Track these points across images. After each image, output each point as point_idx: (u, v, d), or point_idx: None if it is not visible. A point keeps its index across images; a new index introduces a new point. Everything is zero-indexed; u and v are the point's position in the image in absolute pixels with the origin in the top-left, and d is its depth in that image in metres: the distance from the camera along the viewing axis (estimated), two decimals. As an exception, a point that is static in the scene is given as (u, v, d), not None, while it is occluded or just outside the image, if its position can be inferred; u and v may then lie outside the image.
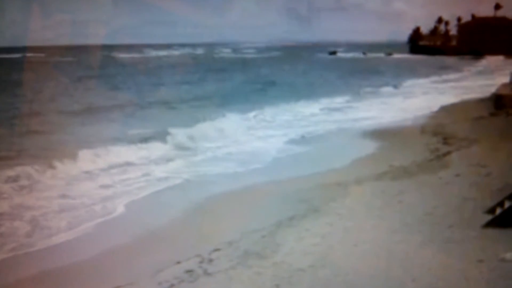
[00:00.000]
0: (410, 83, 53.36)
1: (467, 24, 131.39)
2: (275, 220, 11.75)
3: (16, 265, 10.80)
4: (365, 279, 8.29)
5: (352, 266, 8.74)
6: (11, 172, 16.55)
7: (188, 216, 13.31)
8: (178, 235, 12.09)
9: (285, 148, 22.30)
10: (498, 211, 10.29)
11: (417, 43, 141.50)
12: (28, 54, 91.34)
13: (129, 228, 12.72)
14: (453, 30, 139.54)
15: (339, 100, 38.79)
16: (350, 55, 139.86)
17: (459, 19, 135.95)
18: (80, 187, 16.21)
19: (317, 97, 39.44)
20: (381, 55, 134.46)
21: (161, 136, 22.52)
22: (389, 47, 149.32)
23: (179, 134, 22.83)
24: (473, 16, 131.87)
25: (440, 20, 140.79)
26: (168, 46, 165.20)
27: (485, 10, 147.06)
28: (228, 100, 37.19)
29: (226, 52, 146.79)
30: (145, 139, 22.20)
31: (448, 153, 17.85)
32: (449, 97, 39.48)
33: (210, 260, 9.80)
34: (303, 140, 24.14)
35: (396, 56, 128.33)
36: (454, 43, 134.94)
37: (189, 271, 9.37)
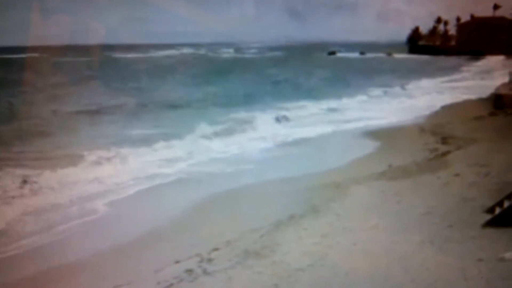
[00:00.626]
0: (412, 84, 53.23)
1: (466, 24, 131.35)
2: (274, 220, 11.75)
3: (16, 264, 10.82)
4: (364, 278, 8.29)
5: (351, 265, 8.74)
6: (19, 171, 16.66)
7: (188, 215, 13.30)
8: (177, 234, 12.09)
9: (285, 148, 22.33)
10: (497, 210, 10.31)
11: (416, 43, 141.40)
12: (27, 55, 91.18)
13: (128, 227, 12.73)
14: (452, 30, 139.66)
15: (345, 101, 38.70)
16: (349, 55, 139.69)
17: (458, 19, 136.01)
18: (80, 185, 16.26)
19: (326, 97, 39.54)
20: (381, 55, 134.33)
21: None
22: (388, 47, 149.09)
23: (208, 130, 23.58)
24: (472, 16, 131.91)
25: (439, 20, 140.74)
26: (170, 46, 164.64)
27: (484, 10, 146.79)
28: (248, 100, 37.59)
29: (229, 52, 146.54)
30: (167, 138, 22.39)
31: (447, 152, 17.86)
32: (449, 97, 39.55)
33: (210, 260, 9.80)
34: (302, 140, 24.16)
35: (396, 56, 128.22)
36: (453, 43, 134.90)
37: (188, 271, 9.37)
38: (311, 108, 34.76)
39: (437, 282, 7.96)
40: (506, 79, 40.04)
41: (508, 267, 8.11)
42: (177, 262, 9.93)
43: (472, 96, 38.20)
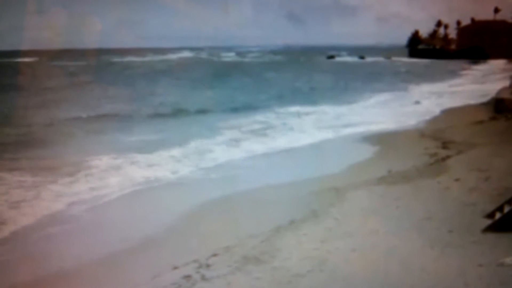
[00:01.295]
0: (412, 88, 53.19)
1: (467, 27, 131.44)
2: (273, 225, 11.72)
3: (13, 268, 10.79)
4: (363, 284, 8.26)
5: (350, 271, 8.71)
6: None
7: (187, 221, 13.25)
8: (176, 240, 12.04)
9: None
10: (498, 215, 10.27)
11: (417, 46, 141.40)
12: (22, 59, 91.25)
13: (125, 232, 12.70)
14: (452, 34, 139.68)
15: (344, 106, 38.71)
16: (348, 59, 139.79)
17: (458, 23, 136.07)
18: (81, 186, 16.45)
19: (324, 102, 39.69)
20: (380, 59, 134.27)
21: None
22: (388, 51, 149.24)
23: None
24: (472, 20, 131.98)
25: (439, 24, 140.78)
26: (169, 50, 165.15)
27: (485, 13, 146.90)
28: (248, 105, 37.64)
29: (231, 56, 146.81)
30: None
31: (448, 157, 17.82)
32: (449, 101, 39.57)
33: (208, 266, 9.76)
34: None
35: (396, 59, 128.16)
36: (453, 46, 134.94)
37: (186, 277, 9.33)
38: (310, 112, 34.72)
39: (437, 287, 7.92)
40: (506, 83, 40.07)
41: (508, 272, 8.08)
42: (175, 268, 9.89)
43: (473, 101, 38.26)
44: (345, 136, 25.76)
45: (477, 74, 75.07)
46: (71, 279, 10.26)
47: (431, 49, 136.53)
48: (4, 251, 11.64)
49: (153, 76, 68.55)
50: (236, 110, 35.11)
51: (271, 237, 10.93)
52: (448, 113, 32.54)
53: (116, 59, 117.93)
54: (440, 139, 21.65)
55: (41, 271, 10.56)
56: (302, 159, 20.86)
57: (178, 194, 15.94)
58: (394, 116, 32.49)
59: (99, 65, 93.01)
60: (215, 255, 10.27)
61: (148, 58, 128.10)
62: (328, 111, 35.70)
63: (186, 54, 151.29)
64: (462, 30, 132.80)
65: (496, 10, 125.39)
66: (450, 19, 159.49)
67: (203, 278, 9.20)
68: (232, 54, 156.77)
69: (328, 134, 26.48)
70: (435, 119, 29.99)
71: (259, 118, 31.70)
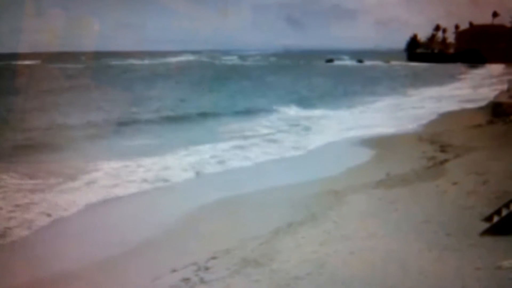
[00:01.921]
0: (409, 92, 53.28)
1: (465, 31, 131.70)
2: (272, 228, 11.75)
3: (13, 271, 10.80)
4: (362, 286, 8.27)
5: (349, 274, 8.72)
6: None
7: (186, 224, 13.27)
8: (175, 243, 12.06)
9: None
10: (496, 219, 10.30)
11: (415, 50, 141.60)
12: (24, 62, 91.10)
13: (124, 235, 12.71)
14: (450, 38, 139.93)
15: (343, 109, 39.00)
16: (347, 63, 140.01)
17: (456, 27, 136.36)
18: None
19: (323, 106, 40.01)
20: (379, 62, 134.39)
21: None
22: (386, 55, 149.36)
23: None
24: (470, 24, 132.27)
25: (437, 28, 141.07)
26: (169, 53, 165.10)
27: (483, 18, 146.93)
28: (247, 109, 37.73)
29: (232, 60, 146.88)
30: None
31: (446, 161, 17.85)
32: (447, 105, 39.67)
33: (207, 268, 9.78)
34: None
35: (394, 63, 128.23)
36: (451, 50, 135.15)
37: (185, 279, 9.35)
38: (310, 117, 34.80)
39: (435, 291, 7.96)
40: (504, 87, 40.15)
41: (506, 275, 8.10)
42: (174, 270, 9.90)
43: (471, 104, 38.32)
44: (343, 140, 25.77)
45: (475, 78, 75.21)
46: (70, 281, 10.27)
47: (429, 53, 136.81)
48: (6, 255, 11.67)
49: (154, 79, 68.42)
50: (237, 114, 35.16)
51: (270, 239, 10.96)
52: (446, 116, 32.60)
53: (116, 62, 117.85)
54: (438, 143, 21.68)
55: (40, 273, 10.57)
56: (301, 162, 20.85)
57: (177, 198, 15.96)
58: (392, 120, 32.55)
59: (99, 68, 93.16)
60: (214, 257, 10.29)
61: (149, 61, 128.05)
62: (327, 115, 35.82)
63: (187, 57, 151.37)
64: (460, 34, 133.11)
65: (495, 15, 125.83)
66: (448, 23, 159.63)
67: (202, 281, 9.22)
68: (232, 57, 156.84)
69: (327, 138, 26.51)
70: (433, 123, 30.04)
71: (260, 121, 31.81)
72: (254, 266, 9.52)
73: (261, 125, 30.65)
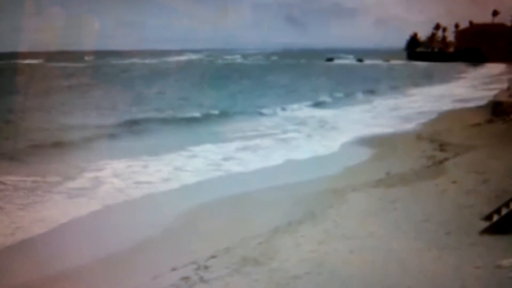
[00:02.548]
0: (409, 91, 53.32)
1: (465, 30, 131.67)
2: (272, 227, 11.74)
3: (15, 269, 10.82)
4: (361, 285, 8.29)
5: (348, 273, 8.73)
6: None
7: (186, 223, 13.27)
8: (175, 241, 12.07)
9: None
10: (495, 218, 10.31)
11: (415, 49, 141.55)
12: (22, 61, 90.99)
13: (124, 234, 12.72)
14: (450, 37, 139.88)
15: (341, 109, 39.07)
16: (347, 62, 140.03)
17: (456, 26, 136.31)
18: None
19: (322, 105, 40.41)
20: (379, 61, 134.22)
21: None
22: (386, 54, 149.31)
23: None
24: (470, 23, 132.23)
25: (437, 27, 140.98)
26: (171, 52, 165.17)
27: (483, 17, 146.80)
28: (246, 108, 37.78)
29: (235, 59, 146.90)
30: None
31: (445, 160, 17.85)
32: (446, 104, 39.73)
33: (206, 267, 9.78)
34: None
35: (394, 62, 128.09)
36: (451, 49, 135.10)
37: (185, 278, 9.35)
38: (312, 116, 34.87)
39: (434, 289, 7.97)
40: (504, 86, 40.22)
41: (505, 274, 8.11)
42: (174, 269, 9.91)
43: (470, 103, 38.35)
44: (344, 139, 25.75)
45: (475, 77, 75.33)
46: (70, 280, 10.28)
47: (429, 52, 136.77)
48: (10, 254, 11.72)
49: (155, 78, 68.11)
50: (238, 113, 35.06)
51: (269, 238, 10.95)
52: (445, 115, 32.62)
53: (118, 61, 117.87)
54: (438, 142, 21.67)
55: (40, 273, 10.59)
56: (301, 162, 20.82)
57: (177, 197, 15.91)
58: (391, 119, 32.61)
59: (102, 67, 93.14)
60: (213, 256, 10.27)
61: (150, 60, 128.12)
62: (328, 114, 35.85)
63: (188, 56, 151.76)
64: (460, 33, 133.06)
65: (495, 13, 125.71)
66: (448, 22, 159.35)
67: (202, 279, 9.22)
68: (234, 56, 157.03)
69: (328, 136, 26.58)
70: (432, 122, 30.06)
71: (262, 121, 31.87)
72: (254, 265, 9.52)
73: (263, 125, 30.70)
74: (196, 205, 14.62)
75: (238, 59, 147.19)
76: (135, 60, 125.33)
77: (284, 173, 18.75)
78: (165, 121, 31.29)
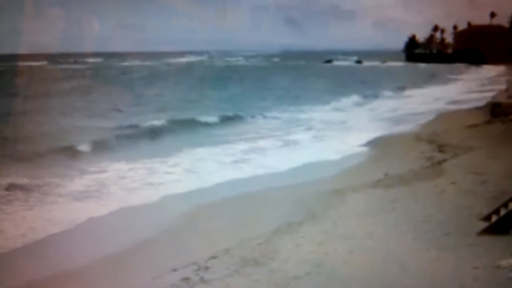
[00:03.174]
0: (408, 92, 53.41)
1: (463, 32, 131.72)
2: (272, 227, 11.77)
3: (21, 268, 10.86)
4: (360, 286, 8.33)
5: (348, 273, 8.78)
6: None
7: (185, 223, 13.29)
8: (175, 242, 12.08)
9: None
10: (494, 218, 10.36)
11: (413, 51, 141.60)
12: (23, 63, 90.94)
13: (124, 234, 12.75)
14: (449, 38, 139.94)
15: (341, 110, 39.14)
16: (345, 63, 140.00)
17: (455, 27, 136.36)
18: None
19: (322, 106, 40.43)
20: (377, 63, 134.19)
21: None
22: (385, 55, 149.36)
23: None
24: (469, 24, 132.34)
25: (436, 28, 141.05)
26: (172, 54, 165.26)
27: (481, 18, 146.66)
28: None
29: (236, 61, 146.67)
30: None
31: (444, 161, 17.90)
32: (445, 105, 39.79)
33: (207, 268, 9.80)
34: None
35: (392, 64, 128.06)
36: (450, 51, 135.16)
37: (185, 279, 9.37)
38: (312, 118, 34.90)
39: (434, 289, 8.01)
40: (503, 87, 40.27)
41: (504, 274, 8.15)
42: (174, 270, 9.93)
43: (469, 104, 38.40)
44: (343, 140, 25.79)
45: (474, 78, 75.36)
46: (71, 280, 10.31)
47: (427, 54, 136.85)
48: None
49: (157, 80, 67.95)
50: (242, 116, 34.99)
51: (269, 239, 10.98)
52: (444, 117, 32.62)
53: (119, 63, 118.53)
54: (436, 143, 21.70)
55: (43, 272, 10.64)
56: (300, 162, 20.82)
57: (178, 198, 15.90)
58: (389, 120, 32.67)
59: (104, 69, 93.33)
60: (214, 257, 10.29)
61: (152, 62, 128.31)
62: (328, 115, 35.93)
63: (188, 58, 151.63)
64: (459, 35, 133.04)
65: (492, 15, 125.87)
66: (447, 24, 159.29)
67: (202, 280, 9.24)
68: (235, 58, 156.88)
69: (328, 137, 26.66)
70: (431, 123, 30.05)
71: (260, 124, 31.93)
72: (254, 266, 9.56)
73: (265, 127, 30.78)
74: (196, 206, 14.65)
75: (239, 61, 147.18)
76: (136, 62, 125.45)
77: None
78: (170, 124, 30.80)
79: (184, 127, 29.71)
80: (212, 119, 32.49)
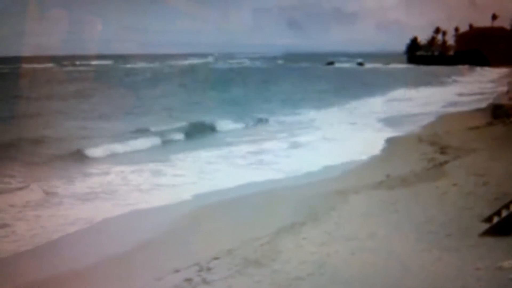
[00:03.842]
0: (409, 94, 53.38)
1: (465, 34, 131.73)
2: (274, 228, 11.79)
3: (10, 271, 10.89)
4: (362, 287, 8.34)
5: (350, 274, 8.80)
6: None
7: (188, 224, 13.32)
8: (177, 243, 12.10)
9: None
10: (495, 219, 10.37)
11: (415, 53, 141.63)
12: (27, 65, 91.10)
13: (127, 235, 12.79)
14: (450, 40, 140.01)
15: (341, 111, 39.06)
16: (347, 65, 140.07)
17: (456, 29, 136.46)
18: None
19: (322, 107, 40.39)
20: (379, 65, 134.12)
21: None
22: (386, 57, 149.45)
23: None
24: (470, 26, 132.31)
25: (437, 30, 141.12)
26: (175, 57, 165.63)
27: (483, 21, 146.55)
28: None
29: (240, 63, 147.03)
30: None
31: (445, 162, 17.90)
32: (446, 107, 39.82)
33: (209, 269, 9.83)
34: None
35: (394, 66, 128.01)
36: (451, 53, 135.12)
37: (188, 280, 9.40)
38: (314, 119, 34.95)
39: (435, 290, 8.03)
40: (504, 89, 40.27)
41: (506, 275, 8.16)
42: (177, 271, 9.95)
43: (470, 106, 38.41)
44: (344, 142, 25.82)
45: (475, 80, 75.40)
46: (74, 281, 10.34)
47: (429, 56, 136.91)
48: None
49: (163, 82, 68.07)
50: (242, 119, 34.96)
51: (271, 240, 11.01)
52: (445, 118, 32.65)
53: (124, 65, 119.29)
54: (438, 144, 21.69)
55: (48, 272, 10.69)
56: (301, 163, 20.83)
57: (180, 199, 15.91)
58: (391, 122, 32.65)
59: (108, 72, 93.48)
60: (216, 258, 10.33)
61: (158, 64, 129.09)
62: (329, 117, 35.95)
63: (193, 60, 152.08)
64: (460, 37, 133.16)
65: (494, 17, 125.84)
66: (448, 26, 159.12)
67: (204, 281, 9.27)
68: (239, 61, 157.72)
69: (330, 138, 26.72)
70: (432, 125, 30.08)
71: (263, 127, 31.95)
72: (256, 267, 9.59)
73: (264, 130, 30.82)
74: (199, 207, 14.69)
75: (243, 63, 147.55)
76: (141, 64, 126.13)
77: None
78: (177, 127, 30.48)
79: (191, 130, 29.67)
80: (218, 121, 32.40)
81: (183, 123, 31.03)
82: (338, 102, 44.14)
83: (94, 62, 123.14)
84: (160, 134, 27.64)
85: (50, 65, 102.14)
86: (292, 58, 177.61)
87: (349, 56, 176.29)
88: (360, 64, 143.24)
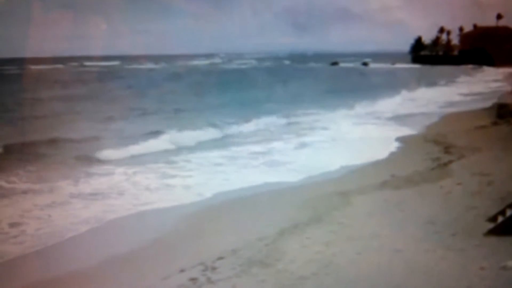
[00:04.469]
0: (413, 94, 53.30)
1: (469, 33, 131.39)
2: (278, 228, 11.81)
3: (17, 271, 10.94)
4: (367, 286, 8.35)
5: (354, 274, 8.81)
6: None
7: (193, 224, 13.35)
8: (182, 243, 12.14)
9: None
10: (500, 219, 10.35)
11: (419, 53, 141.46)
12: (36, 66, 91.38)
13: (135, 235, 12.84)
14: (455, 40, 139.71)
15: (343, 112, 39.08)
16: (351, 65, 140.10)
17: (461, 29, 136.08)
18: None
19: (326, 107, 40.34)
20: (383, 65, 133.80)
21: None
22: (391, 57, 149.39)
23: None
24: (475, 26, 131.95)
25: (442, 30, 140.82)
26: (181, 57, 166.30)
27: (488, 20, 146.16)
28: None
29: (248, 63, 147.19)
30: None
31: (450, 162, 17.89)
32: (451, 107, 39.76)
33: (214, 268, 9.86)
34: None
35: (398, 66, 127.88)
36: (456, 53, 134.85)
37: (193, 279, 9.43)
38: (318, 119, 34.88)
39: (440, 290, 8.03)
40: (509, 88, 40.19)
41: (510, 275, 8.16)
42: (182, 270, 9.99)
43: (475, 106, 38.34)
44: (349, 141, 25.82)
45: (479, 80, 75.17)
46: (80, 280, 10.39)
47: (433, 55, 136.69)
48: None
49: (172, 82, 68.31)
50: (251, 119, 34.90)
51: (276, 240, 11.02)
52: (450, 118, 32.60)
53: (130, 66, 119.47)
54: (442, 144, 21.69)
55: (55, 271, 10.75)
56: (307, 163, 20.83)
57: (188, 200, 15.94)
58: (396, 121, 32.64)
59: (116, 72, 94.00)
60: (221, 258, 10.36)
61: (166, 64, 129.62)
62: (332, 116, 35.92)
63: (200, 61, 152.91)
64: (465, 36, 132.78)
65: (499, 17, 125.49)
66: (453, 26, 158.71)
67: (209, 280, 9.30)
68: (246, 61, 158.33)
69: (334, 138, 26.72)
70: (436, 124, 30.04)
71: (274, 127, 31.97)
72: (260, 266, 9.60)
73: (265, 128, 30.82)
74: (203, 207, 14.73)
75: (250, 63, 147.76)
76: (148, 65, 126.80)
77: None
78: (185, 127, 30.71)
79: (199, 130, 29.45)
80: (227, 121, 32.38)
81: (192, 124, 31.00)
82: (346, 102, 43.96)
83: (101, 63, 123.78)
84: (169, 135, 27.61)
85: (58, 66, 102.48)
86: (298, 58, 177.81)
87: (353, 56, 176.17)
88: (365, 64, 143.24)
